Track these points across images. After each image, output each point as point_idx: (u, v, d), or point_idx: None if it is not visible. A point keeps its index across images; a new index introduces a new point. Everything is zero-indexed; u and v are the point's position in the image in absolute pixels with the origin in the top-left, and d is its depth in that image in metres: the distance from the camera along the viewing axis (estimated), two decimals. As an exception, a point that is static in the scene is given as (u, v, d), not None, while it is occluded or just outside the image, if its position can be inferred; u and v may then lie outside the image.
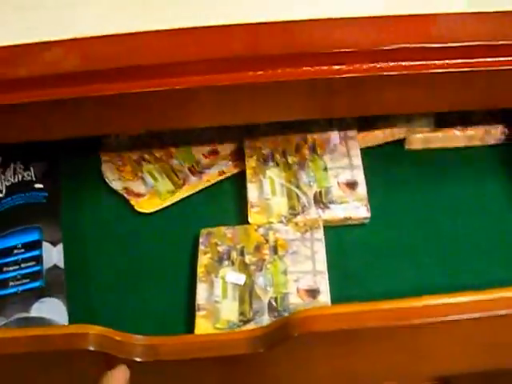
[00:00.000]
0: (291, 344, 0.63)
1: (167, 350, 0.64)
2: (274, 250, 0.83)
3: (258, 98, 0.73)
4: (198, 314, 0.77)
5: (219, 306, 0.78)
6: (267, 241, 0.84)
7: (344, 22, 0.71)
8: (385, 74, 0.69)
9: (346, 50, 0.69)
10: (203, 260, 0.83)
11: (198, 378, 0.69)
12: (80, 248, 0.88)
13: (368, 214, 0.86)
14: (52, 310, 0.80)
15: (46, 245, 0.85)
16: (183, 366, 0.66)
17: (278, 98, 0.72)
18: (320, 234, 0.84)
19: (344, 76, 0.69)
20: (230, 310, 0.78)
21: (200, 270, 0.82)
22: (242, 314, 0.77)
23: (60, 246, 0.86)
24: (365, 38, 0.70)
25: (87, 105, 0.69)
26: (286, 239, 0.84)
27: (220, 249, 0.84)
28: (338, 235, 0.86)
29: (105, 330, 0.63)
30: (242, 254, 0.83)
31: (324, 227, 0.85)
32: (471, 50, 0.69)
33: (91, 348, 0.62)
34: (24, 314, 0.78)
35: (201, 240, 0.84)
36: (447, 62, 0.70)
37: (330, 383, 0.74)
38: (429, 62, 0.69)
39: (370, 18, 0.72)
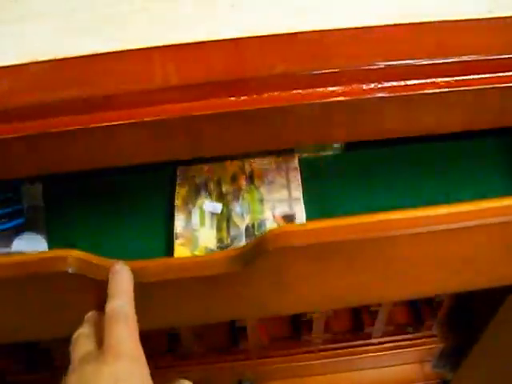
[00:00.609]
0: (267, 260, 0.64)
1: (147, 272, 0.65)
2: (251, 179, 0.84)
3: (236, 128, 0.60)
4: (177, 242, 0.79)
5: (197, 233, 0.79)
6: (243, 171, 0.84)
7: (338, 35, 0.59)
8: (387, 95, 0.57)
9: (341, 69, 0.57)
10: (181, 191, 0.83)
11: (178, 300, 0.70)
12: (59, 185, 0.88)
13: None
14: (32, 244, 0.81)
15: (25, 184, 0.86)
16: (163, 288, 0.67)
17: (266, 127, 0.60)
18: (295, 163, 0.85)
19: (340, 99, 0.57)
20: (207, 238, 0.79)
21: (178, 200, 0.83)
22: (219, 240, 0.79)
23: (39, 185, 0.86)
24: (361, 53, 0.58)
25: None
26: (261, 169, 0.85)
27: (197, 181, 0.84)
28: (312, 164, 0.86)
29: (84, 254, 0.64)
30: (218, 184, 0.84)
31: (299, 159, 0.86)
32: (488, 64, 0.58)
33: (70, 271, 0.63)
34: (5, 250, 0.79)
35: (178, 174, 0.85)
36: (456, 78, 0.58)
37: (305, 302, 0.76)
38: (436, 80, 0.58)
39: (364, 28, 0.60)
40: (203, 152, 0.62)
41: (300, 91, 0.56)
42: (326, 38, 0.58)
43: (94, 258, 0.64)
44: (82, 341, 0.58)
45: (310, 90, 0.56)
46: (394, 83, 0.56)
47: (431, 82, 0.57)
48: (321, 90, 0.56)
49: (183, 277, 0.65)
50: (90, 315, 0.63)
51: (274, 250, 0.63)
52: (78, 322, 0.64)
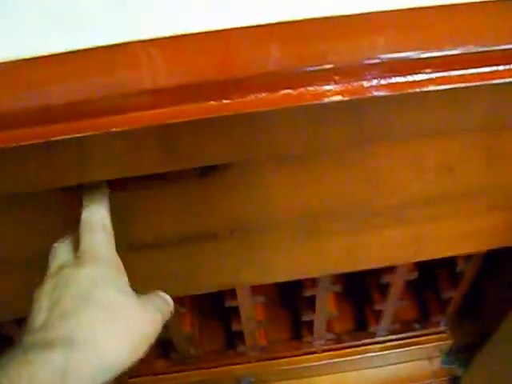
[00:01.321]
0: None
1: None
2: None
3: (218, 136, 0.52)
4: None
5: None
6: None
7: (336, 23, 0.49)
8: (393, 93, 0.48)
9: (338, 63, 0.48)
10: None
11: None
12: None
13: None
14: None
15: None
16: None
17: (251, 135, 0.52)
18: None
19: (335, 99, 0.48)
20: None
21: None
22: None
23: None
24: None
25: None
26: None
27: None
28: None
29: None
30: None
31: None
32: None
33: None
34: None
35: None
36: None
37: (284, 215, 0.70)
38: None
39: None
40: (180, 163, 0.54)
41: (290, 91, 0.48)
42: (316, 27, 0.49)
43: None
44: (60, 250, 0.56)
45: (303, 90, 0.48)
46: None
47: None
48: (314, 88, 0.48)
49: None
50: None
51: None
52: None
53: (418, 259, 0.81)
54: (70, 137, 0.48)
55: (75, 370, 0.46)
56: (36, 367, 0.45)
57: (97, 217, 0.56)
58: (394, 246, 0.74)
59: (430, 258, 0.78)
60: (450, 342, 1.12)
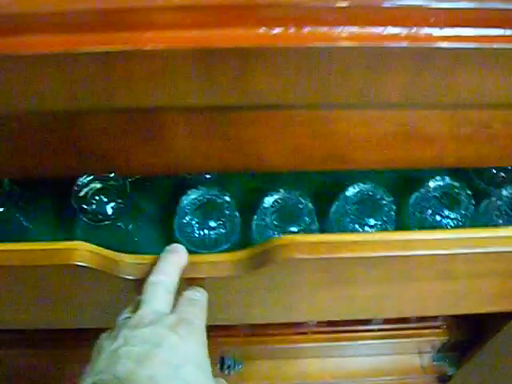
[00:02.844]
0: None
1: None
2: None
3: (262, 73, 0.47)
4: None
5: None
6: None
7: None
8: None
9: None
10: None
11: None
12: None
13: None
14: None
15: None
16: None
17: (299, 76, 0.48)
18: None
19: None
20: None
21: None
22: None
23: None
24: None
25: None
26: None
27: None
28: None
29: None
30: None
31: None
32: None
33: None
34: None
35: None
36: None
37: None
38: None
39: None
40: (218, 98, 0.51)
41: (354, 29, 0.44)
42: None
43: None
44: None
45: (365, 30, 0.44)
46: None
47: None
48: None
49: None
50: None
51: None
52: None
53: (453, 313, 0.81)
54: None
55: None
56: None
57: (201, 297, 0.60)
58: (429, 299, 0.74)
59: (465, 312, 0.79)
60: (443, 338, 1.11)
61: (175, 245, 0.63)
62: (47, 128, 0.58)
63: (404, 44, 0.46)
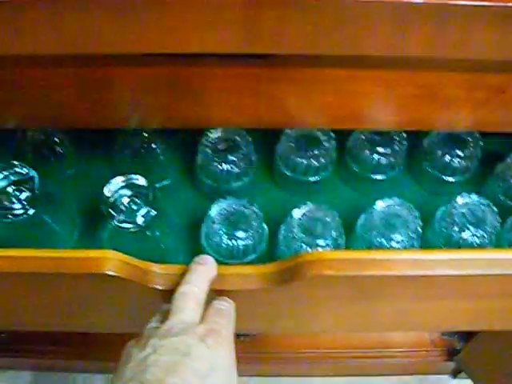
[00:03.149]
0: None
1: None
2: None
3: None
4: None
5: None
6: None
7: None
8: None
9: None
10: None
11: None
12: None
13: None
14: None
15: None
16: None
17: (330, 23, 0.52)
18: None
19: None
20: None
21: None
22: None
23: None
24: None
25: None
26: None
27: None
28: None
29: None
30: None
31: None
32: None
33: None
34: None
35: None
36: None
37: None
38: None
39: None
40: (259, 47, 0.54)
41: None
42: None
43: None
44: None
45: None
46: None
47: None
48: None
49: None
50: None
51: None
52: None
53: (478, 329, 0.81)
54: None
55: None
56: None
57: (230, 308, 0.61)
58: (455, 316, 0.74)
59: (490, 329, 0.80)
60: None
61: (205, 256, 0.63)
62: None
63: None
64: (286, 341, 1.17)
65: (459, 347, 1.16)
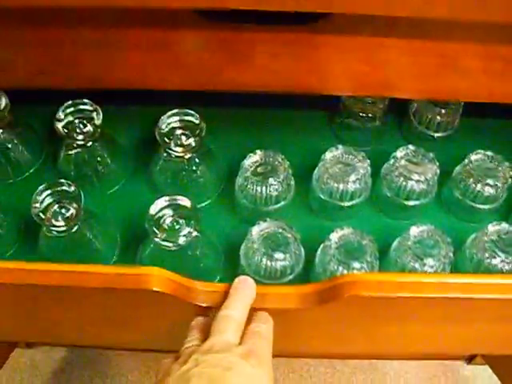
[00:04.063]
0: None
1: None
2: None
3: None
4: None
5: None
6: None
7: None
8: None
9: None
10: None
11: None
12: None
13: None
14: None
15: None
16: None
17: None
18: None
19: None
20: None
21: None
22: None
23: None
24: None
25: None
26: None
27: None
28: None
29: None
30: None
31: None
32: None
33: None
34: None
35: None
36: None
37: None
38: None
39: None
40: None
41: None
42: None
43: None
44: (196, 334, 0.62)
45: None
46: None
47: None
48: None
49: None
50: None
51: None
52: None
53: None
54: None
55: None
56: None
57: (268, 330, 0.63)
58: (486, 339, 0.77)
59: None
60: None
61: (245, 278, 0.65)
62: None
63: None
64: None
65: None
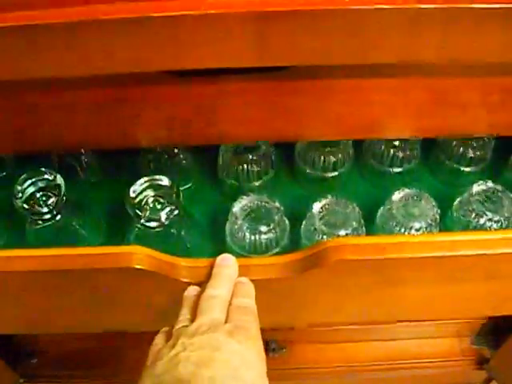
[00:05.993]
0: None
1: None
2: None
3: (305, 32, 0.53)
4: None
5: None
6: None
7: None
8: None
9: None
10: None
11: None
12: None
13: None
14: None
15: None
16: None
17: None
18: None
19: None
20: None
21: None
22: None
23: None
24: None
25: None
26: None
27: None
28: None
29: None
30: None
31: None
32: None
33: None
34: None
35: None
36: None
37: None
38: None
39: None
40: (271, 59, 0.55)
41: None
42: None
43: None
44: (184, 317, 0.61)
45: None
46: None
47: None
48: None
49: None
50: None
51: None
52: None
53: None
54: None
55: None
56: None
57: (252, 305, 0.62)
58: (477, 300, 0.75)
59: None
60: (483, 321, 1.10)
61: (226, 256, 0.65)
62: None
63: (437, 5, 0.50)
64: (316, 355, 1.17)
65: (489, 355, 1.15)
